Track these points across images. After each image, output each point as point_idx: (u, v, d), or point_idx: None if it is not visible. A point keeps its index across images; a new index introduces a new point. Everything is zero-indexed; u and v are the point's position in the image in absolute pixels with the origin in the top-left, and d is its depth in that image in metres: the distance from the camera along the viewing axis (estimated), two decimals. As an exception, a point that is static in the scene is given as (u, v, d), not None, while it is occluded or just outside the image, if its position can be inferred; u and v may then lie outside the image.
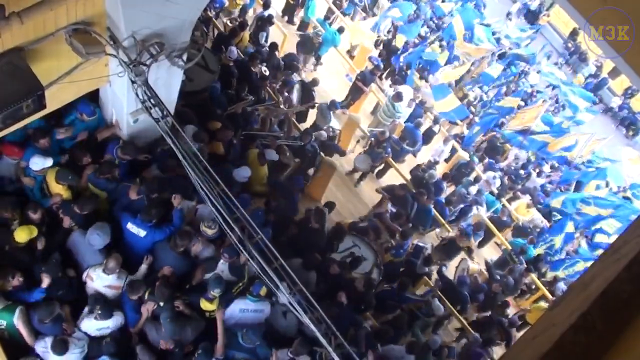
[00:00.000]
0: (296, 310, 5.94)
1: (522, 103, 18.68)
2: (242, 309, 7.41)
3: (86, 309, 6.86)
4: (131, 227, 7.32)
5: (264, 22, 13.61)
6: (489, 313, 11.27)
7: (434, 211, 12.04)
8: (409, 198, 11.64)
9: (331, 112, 12.76)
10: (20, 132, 7.27)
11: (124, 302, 7.10)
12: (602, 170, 16.42)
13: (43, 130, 7.39)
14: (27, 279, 6.71)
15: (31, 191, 7.47)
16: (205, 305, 7.10)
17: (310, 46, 14.06)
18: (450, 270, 12.25)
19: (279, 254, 6.08)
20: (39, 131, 7.33)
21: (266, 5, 13.96)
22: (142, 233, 7.32)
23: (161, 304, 6.83)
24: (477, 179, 14.71)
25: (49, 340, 6.34)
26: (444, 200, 12.89)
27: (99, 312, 6.68)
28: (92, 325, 6.80)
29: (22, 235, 6.71)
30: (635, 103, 26.25)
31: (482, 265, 12.45)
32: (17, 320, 6.37)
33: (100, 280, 7.03)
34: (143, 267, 7.30)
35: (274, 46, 12.95)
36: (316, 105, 12.68)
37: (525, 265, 12.61)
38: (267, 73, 11.69)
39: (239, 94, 10.74)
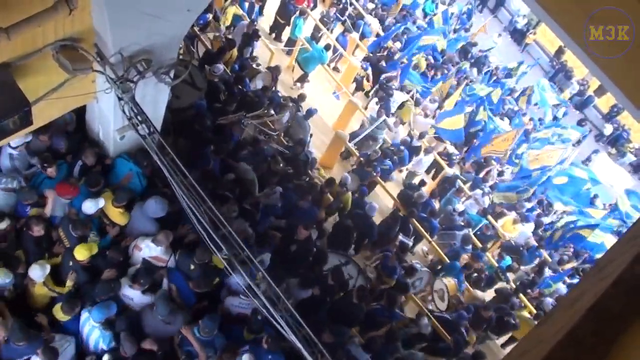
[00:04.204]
0: (283, 329, 5.92)
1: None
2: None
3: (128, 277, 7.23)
4: None
5: (249, 38, 13.60)
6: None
7: (458, 264, 12.15)
8: (392, 227, 11.77)
9: (308, 121, 12.75)
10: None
11: (174, 277, 7.46)
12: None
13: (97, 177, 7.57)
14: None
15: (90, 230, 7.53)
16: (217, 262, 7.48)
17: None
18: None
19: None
20: (93, 175, 7.56)
21: (251, 22, 14.01)
22: None
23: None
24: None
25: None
26: (434, 220, 12.82)
27: (142, 280, 7.07)
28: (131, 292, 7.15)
29: (82, 252, 6.81)
30: (622, 120, 26.49)
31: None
32: None
33: (149, 250, 7.43)
34: None
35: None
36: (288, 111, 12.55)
37: (514, 285, 12.63)
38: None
39: (225, 109, 10.75)
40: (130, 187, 7.87)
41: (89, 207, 7.24)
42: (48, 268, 6.80)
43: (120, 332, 6.69)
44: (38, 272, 6.71)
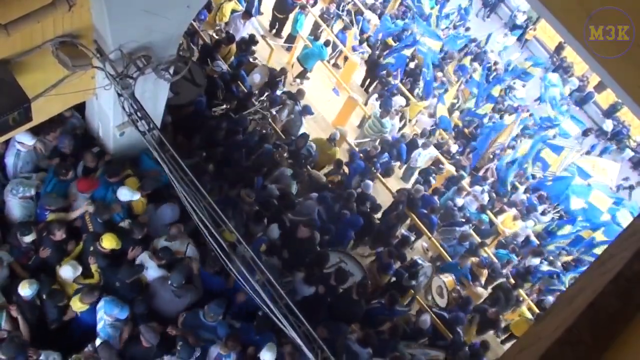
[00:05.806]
0: (283, 325, 5.91)
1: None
2: None
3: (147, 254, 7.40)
4: None
5: (247, 45, 13.40)
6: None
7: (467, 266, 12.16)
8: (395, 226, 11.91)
9: (303, 118, 12.68)
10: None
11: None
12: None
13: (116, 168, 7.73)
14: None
15: (118, 215, 7.65)
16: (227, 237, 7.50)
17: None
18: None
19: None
20: (113, 166, 7.75)
21: (248, 14, 13.87)
22: None
23: None
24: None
25: None
26: (433, 217, 12.77)
27: (160, 254, 7.26)
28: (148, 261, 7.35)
29: (110, 241, 6.94)
30: (622, 116, 26.45)
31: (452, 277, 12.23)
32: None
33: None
34: None
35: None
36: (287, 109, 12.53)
37: (513, 281, 12.59)
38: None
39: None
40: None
41: (125, 194, 7.39)
42: (80, 269, 6.93)
43: (140, 326, 6.72)
44: (70, 272, 6.84)
